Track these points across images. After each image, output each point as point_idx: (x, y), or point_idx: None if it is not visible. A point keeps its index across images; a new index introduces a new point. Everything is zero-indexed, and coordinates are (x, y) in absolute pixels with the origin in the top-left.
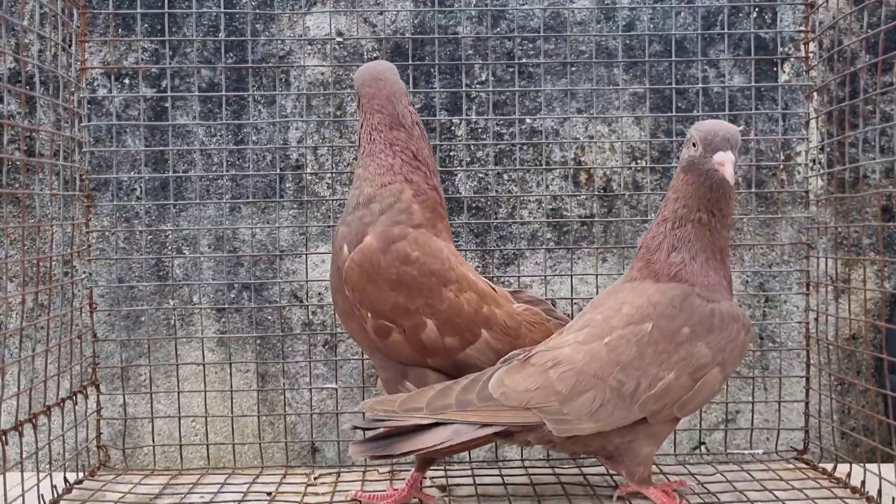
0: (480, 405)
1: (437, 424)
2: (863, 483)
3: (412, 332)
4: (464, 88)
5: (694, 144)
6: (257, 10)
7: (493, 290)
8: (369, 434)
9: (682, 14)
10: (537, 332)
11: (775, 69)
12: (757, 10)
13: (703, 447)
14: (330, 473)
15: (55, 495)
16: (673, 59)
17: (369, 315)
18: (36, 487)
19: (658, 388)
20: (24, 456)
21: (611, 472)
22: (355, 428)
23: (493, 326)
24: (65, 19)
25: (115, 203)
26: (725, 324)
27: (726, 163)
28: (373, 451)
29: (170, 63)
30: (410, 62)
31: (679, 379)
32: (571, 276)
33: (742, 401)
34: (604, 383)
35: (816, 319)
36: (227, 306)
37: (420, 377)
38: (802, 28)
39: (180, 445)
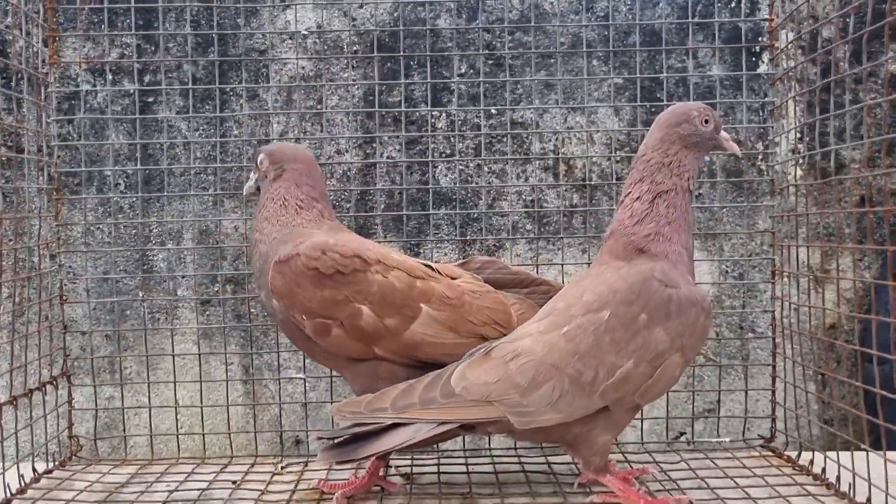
0: (443, 402)
1: (399, 424)
2: (823, 470)
3: (350, 322)
4: (431, 80)
5: (706, 122)
6: (232, 5)
7: (429, 267)
8: (337, 439)
9: (661, 4)
10: (483, 299)
11: (754, 59)
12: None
13: (683, 437)
14: (297, 463)
15: (22, 484)
16: (637, 48)
17: (304, 318)
18: (1, 476)
19: (617, 377)
20: None
21: (576, 460)
22: (320, 438)
23: (431, 299)
24: (32, 17)
25: (98, 196)
26: (683, 308)
27: (730, 139)
28: (338, 456)
29: (149, 59)
30: (388, 55)
31: (638, 367)
32: (540, 265)
33: (712, 389)
34: (562, 373)
35: (793, 309)
36: (201, 298)
37: (377, 371)
38: (767, 17)
39: (150, 436)
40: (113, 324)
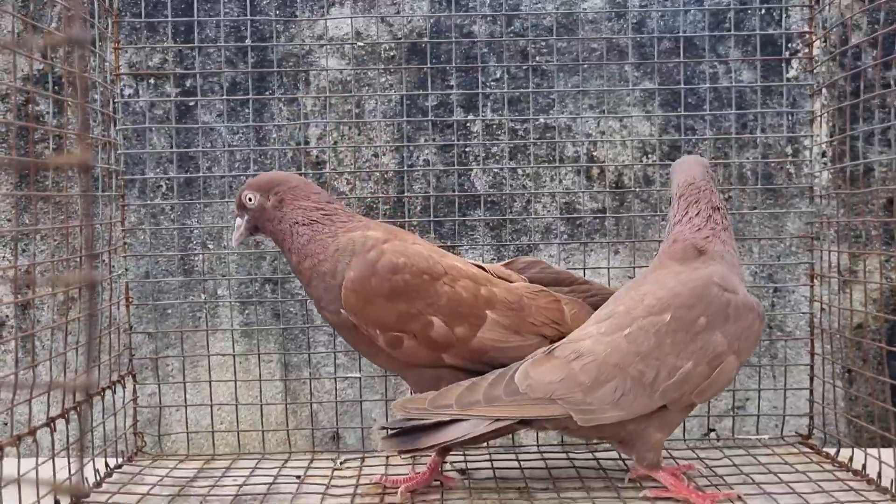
0: (507, 399)
1: (458, 419)
2: (864, 466)
3: (422, 333)
4: (466, 85)
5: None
6: (279, 18)
7: (486, 270)
8: (395, 430)
9: (692, 11)
10: (539, 299)
11: (783, 64)
12: (765, 8)
13: (713, 433)
14: (355, 458)
15: (98, 479)
16: (681, 59)
17: (378, 332)
18: (80, 471)
19: (677, 377)
20: (69, 442)
21: (623, 456)
22: (383, 427)
23: (495, 305)
24: (100, 28)
25: (142, 202)
26: (740, 313)
27: None
28: (400, 445)
29: (194, 65)
30: (426, 66)
31: (697, 367)
32: (585, 269)
33: (751, 388)
34: (625, 373)
35: (821, 310)
36: (248, 300)
37: (441, 375)
38: (807, 29)
39: (212, 432)
40: (155, 324)
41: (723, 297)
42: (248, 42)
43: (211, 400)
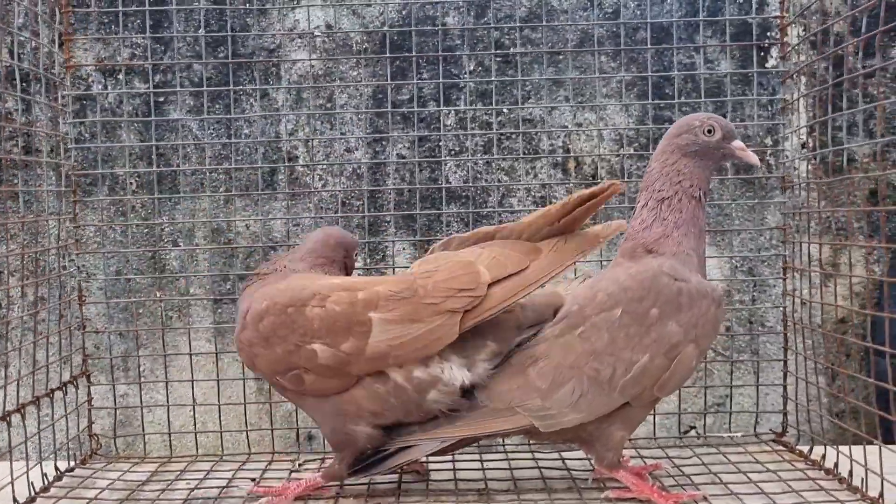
0: (468, 414)
1: None
2: (836, 465)
3: (311, 363)
4: (443, 79)
5: (710, 132)
6: (242, 7)
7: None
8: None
9: (668, 0)
10: (439, 273)
11: (763, 54)
12: None
13: (693, 431)
14: (314, 459)
15: (45, 483)
16: (649, 46)
17: (278, 378)
18: (26, 476)
19: (634, 372)
20: (13, 446)
21: (589, 456)
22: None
23: (377, 304)
24: (46, 19)
25: (112, 197)
26: (694, 300)
27: (747, 149)
28: (368, 472)
29: (159, 59)
30: (398, 55)
31: (654, 360)
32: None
33: (725, 384)
34: (581, 373)
35: (801, 304)
36: (219, 298)
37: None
38: (778, 14)
39: (169, 434)
40: (126, 322)
41: (673, 287)
42: (201, 32)
43: (167, 401)
